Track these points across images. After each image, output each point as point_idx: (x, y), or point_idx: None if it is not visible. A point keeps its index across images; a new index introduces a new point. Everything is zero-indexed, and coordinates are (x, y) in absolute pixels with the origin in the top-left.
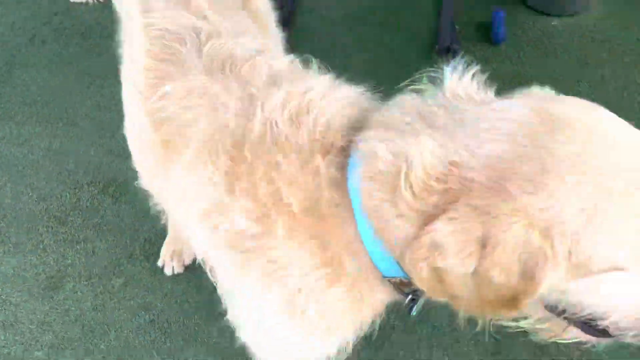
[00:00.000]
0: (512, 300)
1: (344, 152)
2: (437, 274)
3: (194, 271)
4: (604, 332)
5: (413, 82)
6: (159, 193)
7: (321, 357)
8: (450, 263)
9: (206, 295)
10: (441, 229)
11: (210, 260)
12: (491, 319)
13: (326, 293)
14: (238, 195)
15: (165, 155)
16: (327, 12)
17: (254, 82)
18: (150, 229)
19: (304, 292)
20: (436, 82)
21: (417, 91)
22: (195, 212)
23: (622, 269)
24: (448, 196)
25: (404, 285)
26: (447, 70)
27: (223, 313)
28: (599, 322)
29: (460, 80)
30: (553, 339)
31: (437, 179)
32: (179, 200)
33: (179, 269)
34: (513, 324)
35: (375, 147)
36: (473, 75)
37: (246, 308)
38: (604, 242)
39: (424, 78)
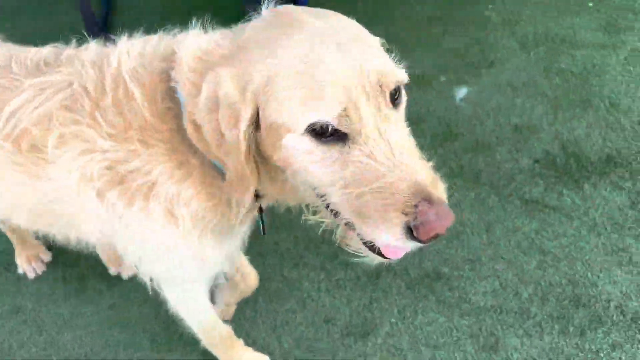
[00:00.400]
0: (241, 162)
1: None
2: (198, 129)
3: (57, 266)
4: (373, 247)
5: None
6: (30, 211)
7: (217, 257)
8: (200, 117)
9: (74, 284)
10: (202, 91)
11: (103, 229)
12: (241, 201)
13: (185, 190)
14: (101, 122)
15: (36, 157)
16: (143, 3)
17: (84, 59)
18: (2, 241)
19: (175, 196)
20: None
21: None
22: (75, 178)
23: (291, 131)
24: (209, 69)
25: None
26: (265, 3)
27: (95, 294)
28: (324, 199)
29: (271, 7)
30: (343, 244)
31: (204, 55)
32: (61, 181)
33: (41, 270)
34: (312, 217)
35: (180, 49)
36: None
37: (142, 240)
38: (278, 104)
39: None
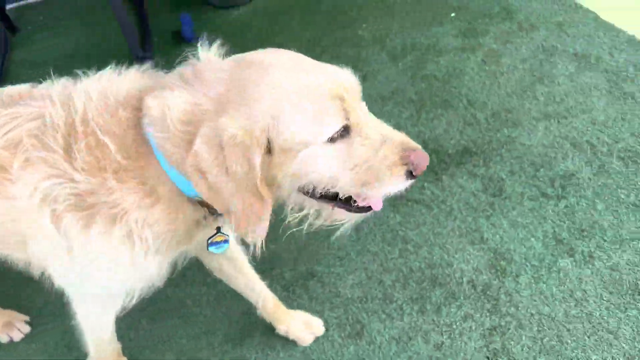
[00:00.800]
0: (255, 188)
1: (138, 110)
2: (205, 177)
3: None
4: (360, 208)
5: (183, 60)
6: None
7: (157, 274)
8: (206, 164)
9: None
10: (198, 145)
11: (52, 249)
12: (256, 234)
13: (151, 214)
14: (77, 158)
15: (2, 178)
16: (39, 57)
17: (52, 96)
18: None
19: (139, 221)
20: (196, 56)
21: (184, 64)
22: (37, 200)
23: (311, 144)
24: (197, 125)
25: (206, 203)
26: (199, 48)
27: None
28: (330, 190)
29: (208, 52)
30: (326, 225)
31: (187, 116)
32: (22, 200)
33: None
34: (292, 217)
35: (150, 102)
36: (216, 47)
37: (91, 265)
38: (293, 129)
39: (190, 56)
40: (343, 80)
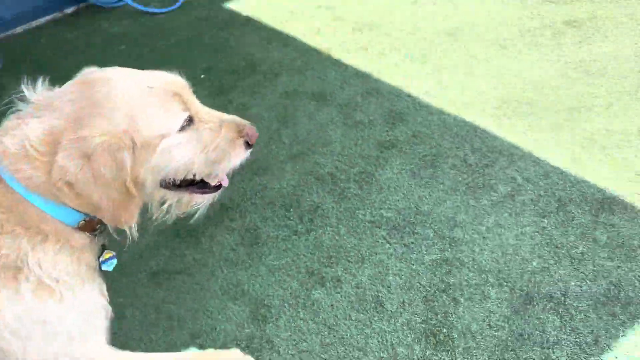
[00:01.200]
0: (125, 187)
1: None
2: (72, 188)
3: None
4: (212, 188)
5: (9, 106)
6: None
7: (82, 313)
8: (73, 174)
9: None
10: (62, 158)
11: None
12: (130, 223)
13: (47, 252)
14: None
15: None
16: None
17: None
18: None
19: (41, 263)
20: (24, 99)
21: (16, 110)
22: None
23: (167, 135)
24: (56, 144)
25: (88, 226)
26: (24, 89)
27: None
28: (187, 177)
29: (35, 90)
30: (186, 211)
31: (46, 138)
32: None
33: None
34: (158, 212)
35: (6, 142)
36: (41, 83)
37: (38, 337)
38: (150, 125)
39: (16, 102)
40: (175, 80)
